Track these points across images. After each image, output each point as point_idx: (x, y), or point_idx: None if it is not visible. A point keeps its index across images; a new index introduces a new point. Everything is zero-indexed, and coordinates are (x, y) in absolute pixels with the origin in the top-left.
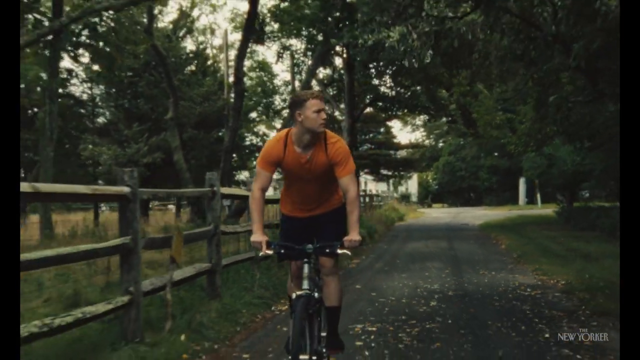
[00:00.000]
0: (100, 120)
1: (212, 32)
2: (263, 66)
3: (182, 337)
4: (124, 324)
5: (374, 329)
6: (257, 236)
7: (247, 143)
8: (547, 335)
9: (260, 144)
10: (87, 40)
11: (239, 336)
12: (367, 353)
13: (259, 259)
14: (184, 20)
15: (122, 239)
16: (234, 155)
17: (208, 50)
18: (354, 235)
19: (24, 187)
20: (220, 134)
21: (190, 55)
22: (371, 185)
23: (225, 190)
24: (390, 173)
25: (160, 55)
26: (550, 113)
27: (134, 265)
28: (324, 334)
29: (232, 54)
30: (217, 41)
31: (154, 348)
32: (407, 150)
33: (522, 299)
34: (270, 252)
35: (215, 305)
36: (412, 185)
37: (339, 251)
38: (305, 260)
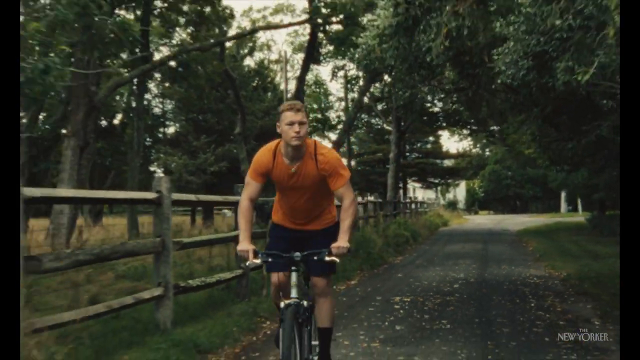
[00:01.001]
0: (171, 131)
1: (269, 47)
2: (318, 83)
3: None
4: (238, 289)
5: (408, 299)
6: (244, 245)
7: None
8: (532, 305)
9: None
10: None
11: None
12: (401, 311)
13: (249, 270)
14: (247, 41)
15: (233, 233)
16: None
17: (266, 64)
18: (341, 242)
19: (70, 192)
20: None
21: (252, 73)
22: (419, 192)
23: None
24: (437, 181)
25: (230, 77)
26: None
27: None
28: (314, 342)
29: (288, 66)
30: (273, 55)
31: (257, 305)
32: (455, 159)
33: (526, 284)
34: (257, 261)
35: (231, 324)
36: (459, 192)
37: (327, 258)
38: (293, 268)
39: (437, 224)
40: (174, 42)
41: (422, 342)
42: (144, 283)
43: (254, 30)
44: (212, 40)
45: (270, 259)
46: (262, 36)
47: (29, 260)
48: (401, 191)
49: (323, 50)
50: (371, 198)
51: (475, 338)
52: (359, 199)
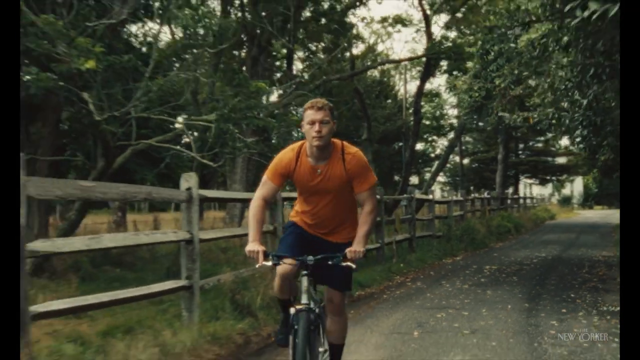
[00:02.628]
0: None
1: (387, 56)
2: (434, 94)
3: (401, 265)
4: (377, 258)
5: (494, 267)
6: (253, 245)
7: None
8: (583, 271)
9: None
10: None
11: (427, 269)
12: (487, 273)
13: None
14: (370, 53)
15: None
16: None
17: (386, 71)
18: (357, 247)
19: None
20: (398, 146)
21: (375, 83)
22: (535, 188)
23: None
24: (549, 177)
25: (358, 92)
26: None
27: (382, 228)
28: (321, 349)
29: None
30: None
31: (389, 268)
32: (567, 156)
33: (589, 260)
34: (267, 263)
35: (414, 255)
36: (576, 188)
37: (343, 263)
38: (305, 272)
39: (544, 217)
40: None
41: (495, 286)
42: None
43: (381, 63)
44: (345, 63)
45: (281, 262)
46: (381, 46)
47: None
48: (513, 187)
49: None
50: (476, 195)
51: (529, 285)
52: (471, 194)
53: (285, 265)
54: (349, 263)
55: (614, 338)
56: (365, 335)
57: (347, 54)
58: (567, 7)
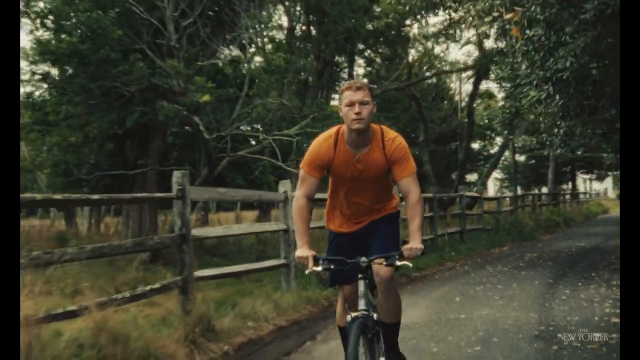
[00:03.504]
0: None
1: (442, 60)
2: (489, 95)
3: (452, 253)
4: (431, 247)
5: (535, 255)
6: (303, 251)
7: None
8: (613, 258)
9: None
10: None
11: (475, 257)
12: (527, 260)
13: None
14: (426, 58)
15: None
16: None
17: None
18: (414, 243)
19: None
20: (454, 146)
21: (431, 86)
22: (596, 184)
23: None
24: (604, 173)
25: (415, 97)
26: None
27: (435, 222)
28: (382, 359)
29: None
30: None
31: (442, 256)
32: None
33: None
34: (318, 268)
35: (464, 245)
36: None
37: (399, 263)
38: (360, 276)
39: (596, 211)
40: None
41: (529, 269)
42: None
43: (435, 74)
44: (402, 69)
45: (332, 266)
46: (436, 48)
47: None
48: (570, 183)
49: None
50: (528, 191)
51: (560, 267)
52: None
53: (347, 289)
54: (405, 262)
55: (613, 304)
56: (418, 301)
57: (405, 61)
58: None
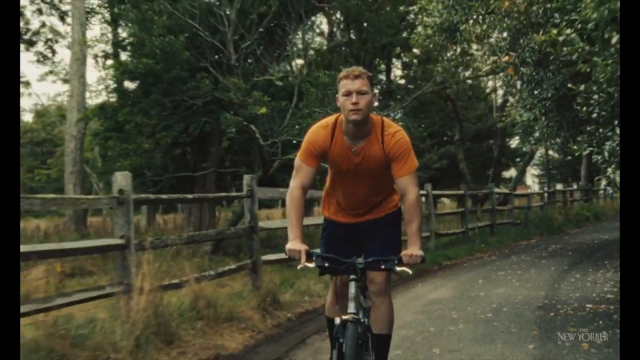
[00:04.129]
0: None
1: (476, 59)
2: None
3: (482, 245)
4: (462, 239)
5: (559, 247)
6: (294, 244)
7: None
8: None
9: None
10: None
11: (503, 248)
12: (551, 251)
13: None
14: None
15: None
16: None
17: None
18: (414, 250)
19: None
20: (490, 144)
21: (467, 86)
22: None
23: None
24: None
25: (451, 99)
26: None
27: (431, 219)
28: None
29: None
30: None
31: (472, 247)
32: None
33: None
34: (311, 265)
35: (493, 238)
36: None
37: (397, 268)
38: (353, 277)
39: None
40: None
41: (550, 258)
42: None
43: (468, 78)
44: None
45: (326, 264)
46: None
47: None
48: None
49: None
50: (559, 187)
51: (578, 257)
52: (558, 186)
53: (339, 279)
54: (404, 268)
55: (614, 284)
56: (446, 283)
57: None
58: None
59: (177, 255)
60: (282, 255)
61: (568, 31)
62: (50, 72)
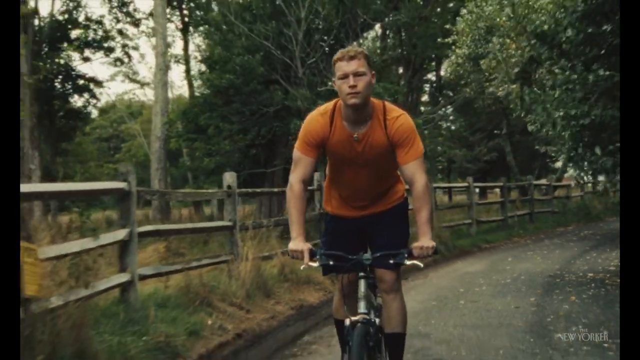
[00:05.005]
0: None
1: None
2: None
3: (520, 231)
4: (501, 227)
5: (590, 232)
6: (297, 243)
7: None
8: None
9: None
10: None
11: (540, 234)
12: (580, 236)
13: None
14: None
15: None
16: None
17: None
18: (424, 241)
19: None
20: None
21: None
22: None
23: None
24: None
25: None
26: None
27: (473, 208)
28: None
29: None
30: None
31: (510, 233)
32: None
33: None
34: (315, 264)
35: (532, 225)
36: None
37: (407, 262)
38: (362, 274)
39: None
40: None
41: (578, 242)
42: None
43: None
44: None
45: (331, 262)
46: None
47: None
48: None
49: None
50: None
51: (602, 240)
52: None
53: (346, 278)
54: (415, 261)
55: (618, 264)
56: (480, 260)
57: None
58: None
59: (261, 236)
60: None
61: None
62: (130, 79)
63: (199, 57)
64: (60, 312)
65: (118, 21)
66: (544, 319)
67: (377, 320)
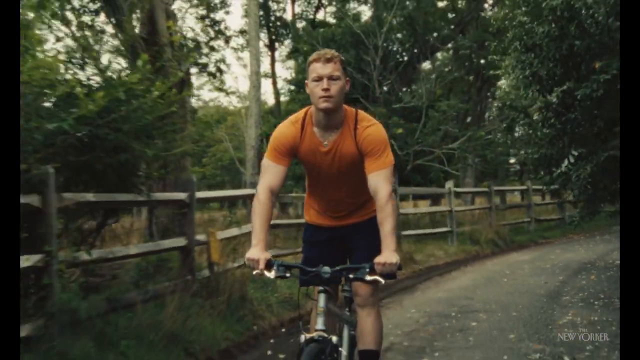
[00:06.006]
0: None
1: None
2: None
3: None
4: (559, 225)
5: (608, 237)
6: (255, 252)
7: None
8: None
9: None
10: None
11: (595, 231)
12: (597, 240)
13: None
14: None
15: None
16: None
17: None
18: (387, 256)
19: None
20: None
21: None
22: None
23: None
24: None
25: None
26: None
27: (532, 208)
28: None
29: None
30: None
31: (567, 230)
32: None
33: None
34: (270, 274)
35: (590, 223)
36: None
37: (368, 277)
38: (321, 289)
39: None
40: None
41: (589, 242)
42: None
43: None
44: None
45: (288, 274)
46: None
47: None
48: None
49: None
50: None
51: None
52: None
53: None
54: (376, 277)
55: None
56: (532, 252)
57: None
58: None
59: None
60: (417, 231)
61: None
62: (218, 88)
63: (285, 76)
64: (229, 274)
65: (211, 39)
66: (561, 289)
67: (335, 339)
